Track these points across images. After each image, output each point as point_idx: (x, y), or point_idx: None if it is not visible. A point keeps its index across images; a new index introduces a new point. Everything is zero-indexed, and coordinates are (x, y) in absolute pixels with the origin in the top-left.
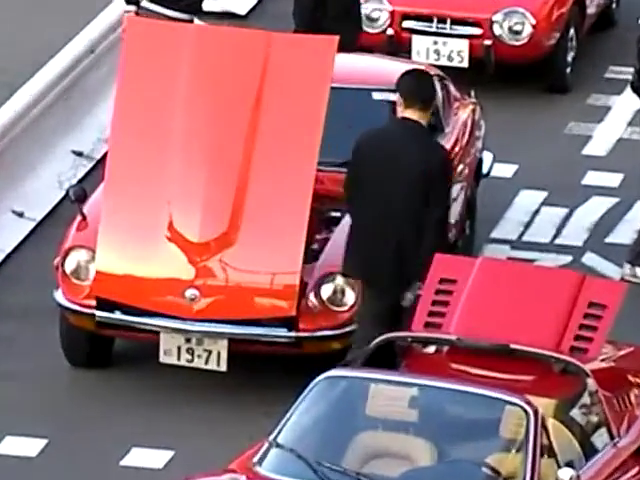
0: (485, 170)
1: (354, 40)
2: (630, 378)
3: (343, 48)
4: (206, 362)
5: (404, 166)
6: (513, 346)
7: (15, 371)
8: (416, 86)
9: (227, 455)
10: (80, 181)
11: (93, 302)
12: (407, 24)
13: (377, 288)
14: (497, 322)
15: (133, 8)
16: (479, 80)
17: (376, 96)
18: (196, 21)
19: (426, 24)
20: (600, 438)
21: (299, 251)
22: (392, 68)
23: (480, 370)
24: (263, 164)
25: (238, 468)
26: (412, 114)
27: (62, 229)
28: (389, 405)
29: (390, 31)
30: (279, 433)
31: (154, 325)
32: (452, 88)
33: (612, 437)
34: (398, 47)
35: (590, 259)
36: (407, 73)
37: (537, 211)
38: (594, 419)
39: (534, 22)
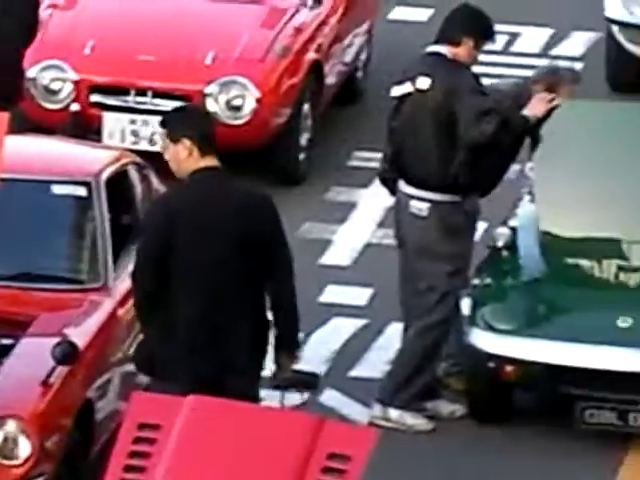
0: None
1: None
2: None
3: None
4: None
5: (233, 228)
6: None
7: None
8: (209, 126)
9: None
10: None
11: None
12: (96, 98)
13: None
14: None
15: None
16: None
17: (57, 190)
18: None
19: (120, 98)
20: None
21: None
22: (78, 155)
23: None
24: None
25: None
26: (212, 161)
27: None
28: None
29: (75, 106)
30: None
31: None
32: (154, 180)
33: None
34: (86, 127)
35: (331, 397)
36: (183, 115)
37: None
38: None
39: (258, 95)
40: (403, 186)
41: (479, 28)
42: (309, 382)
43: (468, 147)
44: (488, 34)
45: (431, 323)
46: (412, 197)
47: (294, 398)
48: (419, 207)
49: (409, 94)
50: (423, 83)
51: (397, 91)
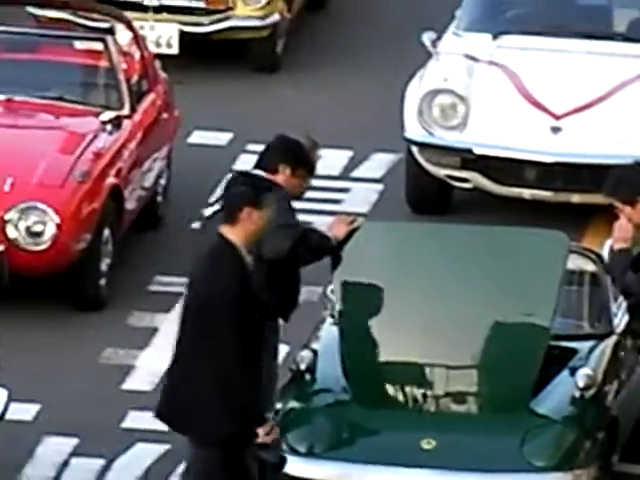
0: None
1: None
2: None
3: None
4: None
5: None
6: None
7: None
8: None
9: None
10: None
11: None
12: None
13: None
14: None
15: None
16: None
17: None
18: None
19: None
20: None
21: None
22: None
23: None
24: None
25: None
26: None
27: None
28: None
29: None
30: None
31: None
32: None
33: None
34: None
35: None
36: None
37: (66, 463)
38: None
39: (58, 221)
40: None
41: (295, 156)
42: (275, 464)
43: (267, 262)
44: (304, 162)
45: None
46: None
47: None
48: None
49: (220, 211)
50: None
51: (209, 211)
